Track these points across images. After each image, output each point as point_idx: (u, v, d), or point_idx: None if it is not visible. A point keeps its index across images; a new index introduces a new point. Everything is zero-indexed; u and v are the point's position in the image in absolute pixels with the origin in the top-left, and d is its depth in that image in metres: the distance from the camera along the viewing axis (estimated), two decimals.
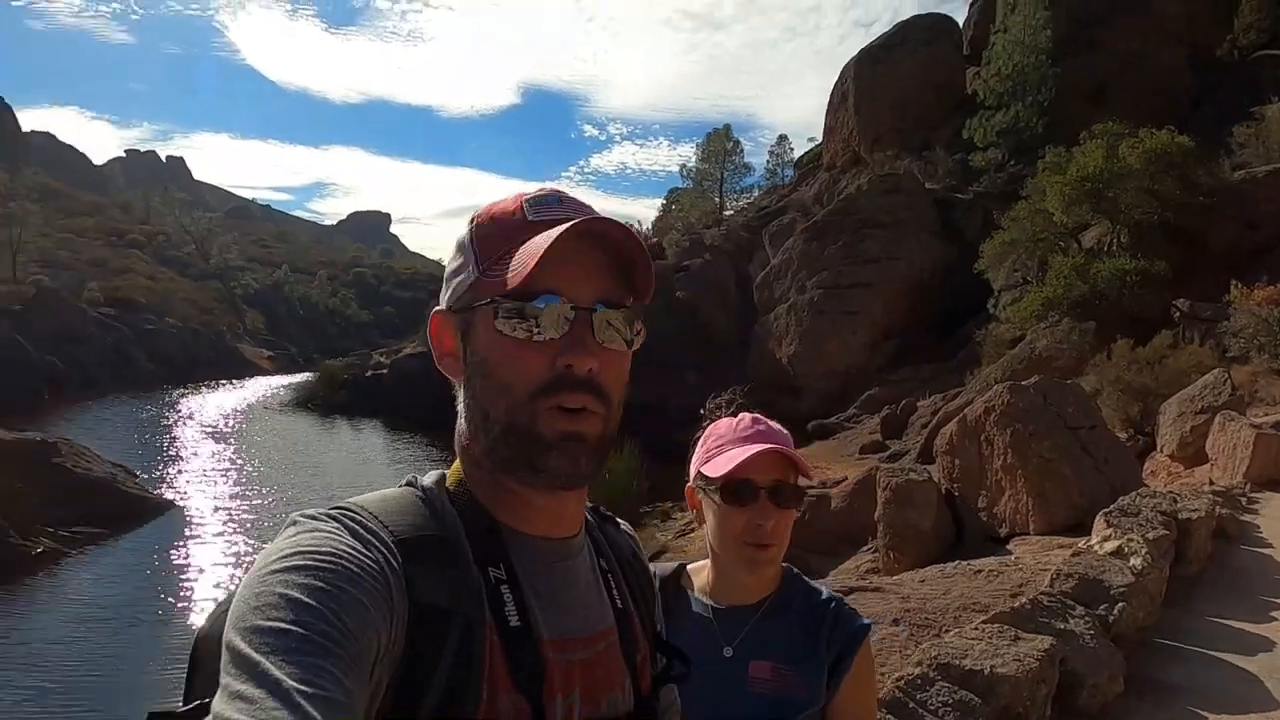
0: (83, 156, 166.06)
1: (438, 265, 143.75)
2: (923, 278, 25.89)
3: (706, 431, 1.62)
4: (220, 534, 16.83)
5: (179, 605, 12.88)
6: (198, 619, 12.20)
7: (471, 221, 0.91)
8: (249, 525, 17.65)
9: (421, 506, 0.86)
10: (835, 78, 39.06)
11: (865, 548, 9.20)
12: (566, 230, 0.81)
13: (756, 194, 45.00)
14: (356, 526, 0.78)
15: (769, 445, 1.48)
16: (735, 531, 1.48)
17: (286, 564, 0.71)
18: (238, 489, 21.31)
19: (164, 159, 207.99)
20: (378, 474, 25.80)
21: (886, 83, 35.36)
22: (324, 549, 0.73)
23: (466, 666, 0.78)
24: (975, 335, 22.39)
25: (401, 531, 0.80)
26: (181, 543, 16.02)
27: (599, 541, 1.01)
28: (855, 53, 37.89)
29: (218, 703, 0.61)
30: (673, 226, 43.14)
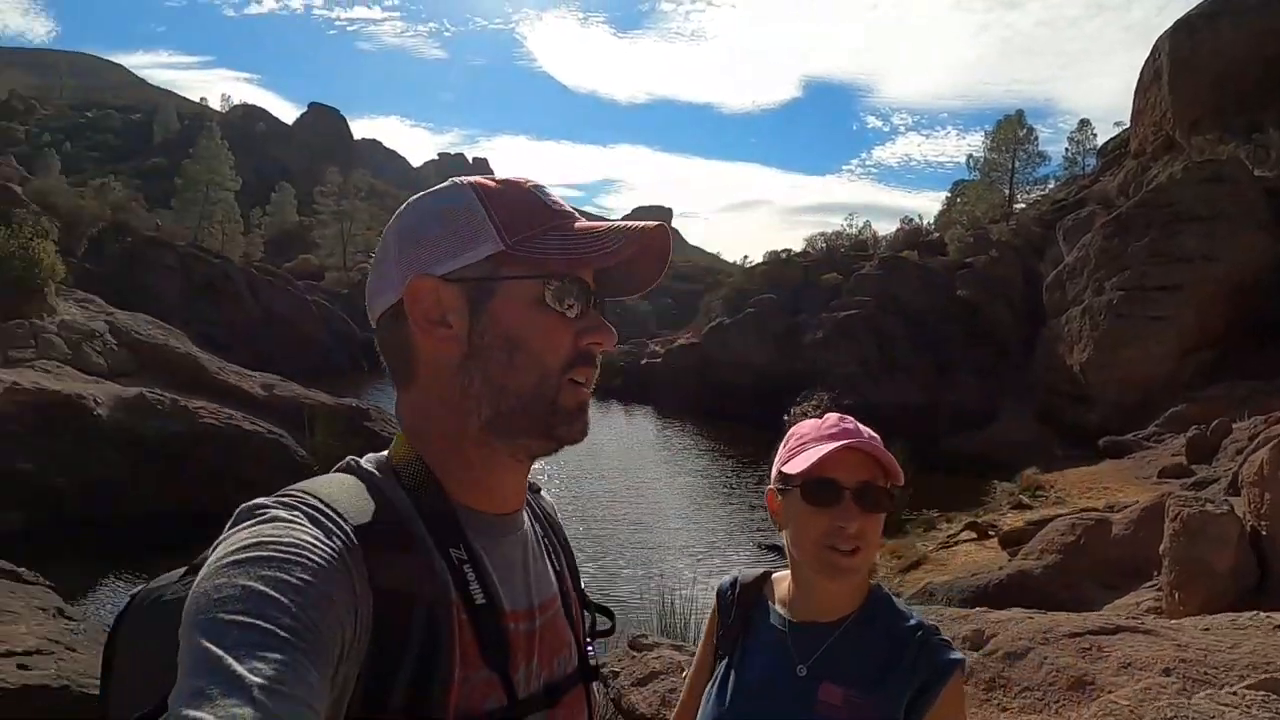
0: (403, 160, 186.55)
1: (715, 259, 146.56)
2: (1246, 280, 22.53)
3: (789, 432, 1.53)
4: None
5: None
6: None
7: (476, 192, 0.91)
8: None
9: (372, 491, 0.85)
10: (1147, 55, 35.10)
11: (1148, 584, 8.29)
12: (641, 231, 0.92)
13: (1052, 185, 41.51)
14: (316, 514, 0.78)
15: (854, 441, 1.38)
16: (816, 535, 1.38)
17: (248, 555, 0.70)
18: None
19: (470, 160, 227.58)
20: (648, 457, 26.84)
21: (1207, 56, 31.02)
22: (286, 539, 0.72)
23: (435, 648, 0.79)
24: None
25: (358, 518, 0.80)
26: None
27: (533, 509, 1.05)
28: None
29: (176, 699, 0.60)
30: (956, 221, 40.89)
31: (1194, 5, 32.95)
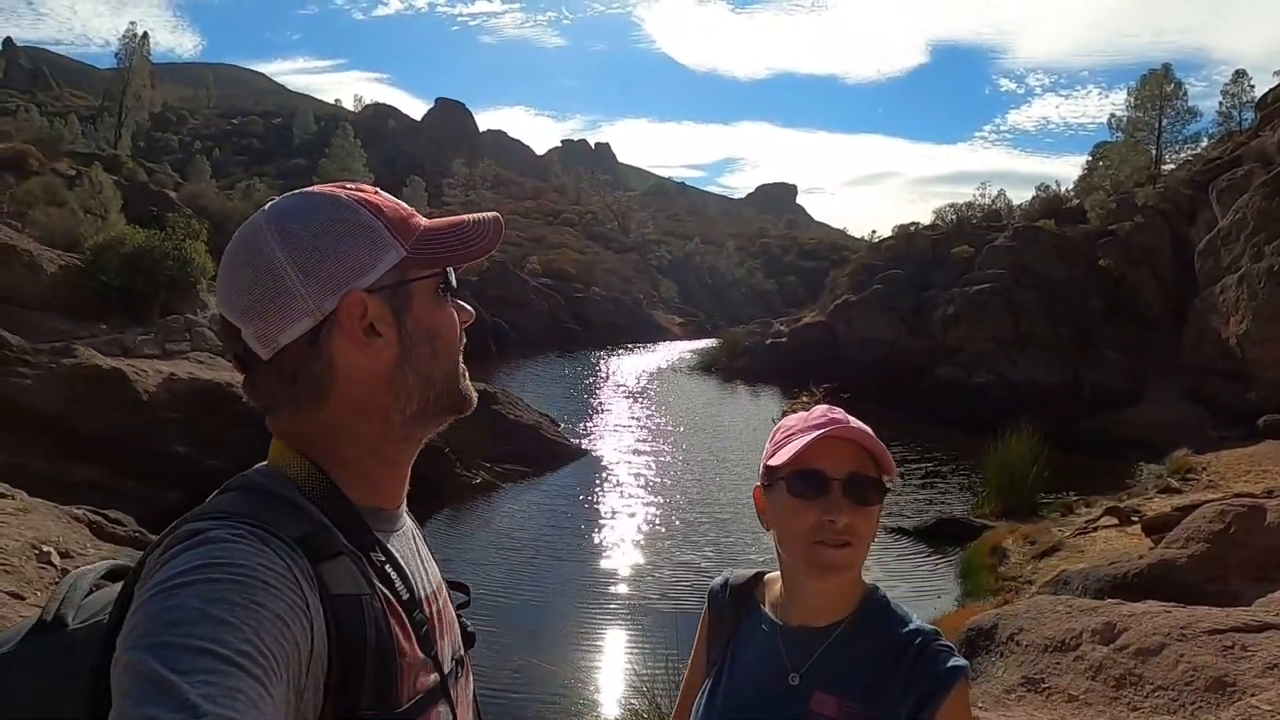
0: (527, 148, 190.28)
1: (842, 235, 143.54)
2: None
3: (775, 427, 1.47)
4: (626, 482, 18.49)
5: (585, 543, 14.45)
6: (600, 557, 13.68)
7: (356, 202, 0.94)
8: (652, 477, 19.16)
9: (288, 506, 0.86)
10: None
11: None
12: (492, 223, 1.03)
13: (1205, 144, 38.57)
14: (258, 532, 0.78)
15: (839, 428, 1.31)
16: (803, 530, 1.31)
17: (197, 577, 0.70)
18: (644, 443, 23.18)
19: (593, 146, 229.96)
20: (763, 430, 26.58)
21: None
22: (234, 561, 0.73)
23: (384, 642, 0.83)
24: None
25: (293, 531, 0.82)
26: (592, 487, 17.86)
27: None
28: None
29: None
30: (1098, 186, 38.45)
31: None
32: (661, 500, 16.94)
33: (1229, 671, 4.62)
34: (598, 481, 18.32)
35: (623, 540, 14.40)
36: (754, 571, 1.55)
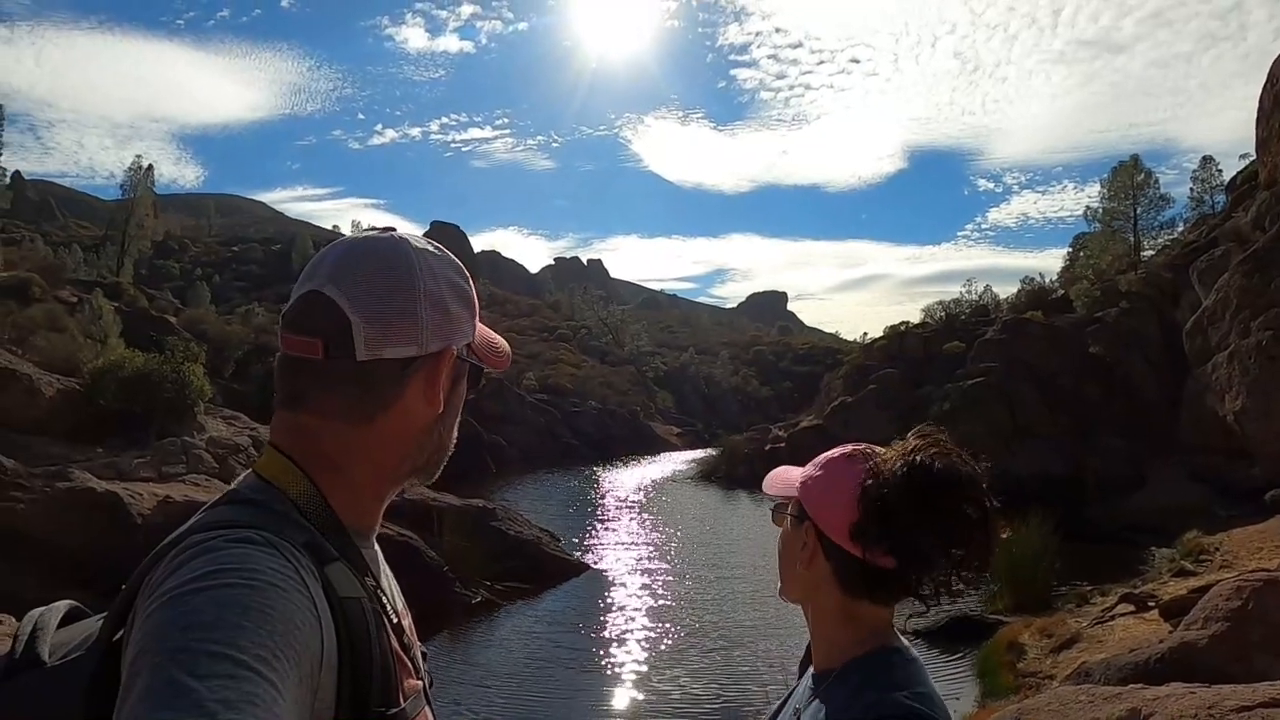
0: (521, 267, 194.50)
1: (833, 339, 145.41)
2: None
3: None
4: (630, 599, 18.00)
5: (589, 664, 13.94)
6: (606, 679, 13.19)
7: (455, 268, 1.03)
8: (656, 592, 18.69)
9: (287, 520, 0.87)
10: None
11: None
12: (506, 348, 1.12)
13: (1181, 228, 39.52)
14: (264, 538, 0.79)
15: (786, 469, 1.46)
16: None
17: (210, 583, 0.71)
18: (647, 557, 22.74)
19: (585, 262, 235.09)
20: (773, 545, 25.95)
21: None
22: (245, 566, 0.74)
23: (386, 645, 0.87)
24: None
25: (296, 537, 0.84)
26: (595, 604, 17.38)
27: None
28: None
29: None
30: (1081, 276, 39.22)
31: None
32: (668, 618, 16.38)
33: None
34: (601, 598, 17.87)
35: (629, 661, 13.78)
36: None
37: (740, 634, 14.82)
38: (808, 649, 1.48)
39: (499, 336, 1.11)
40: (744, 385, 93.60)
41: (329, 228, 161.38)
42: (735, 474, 41.90)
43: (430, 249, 1.00)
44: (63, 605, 0.93)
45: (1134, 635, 11.18)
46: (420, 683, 0.96)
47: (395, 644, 0.91)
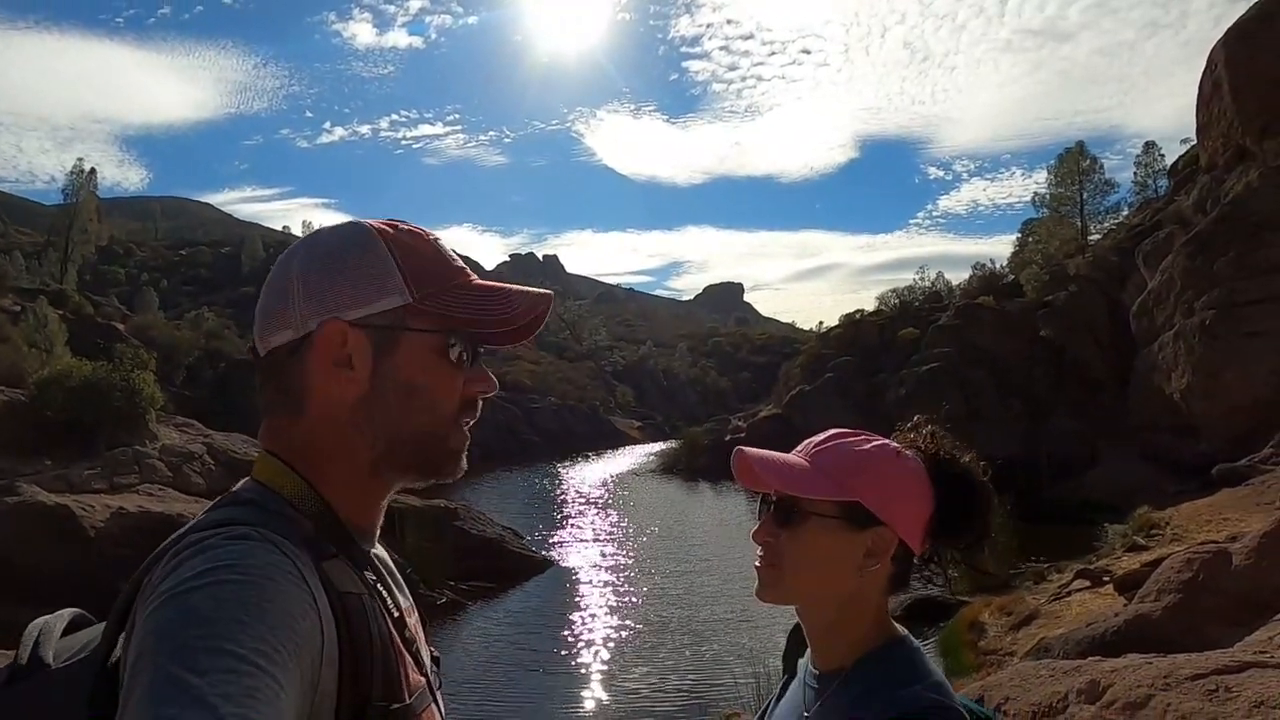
0: (477, 264, 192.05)
1: (790, 328, 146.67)
2: None
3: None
4: (595, 593, 18.05)
5: (556, 660, 13.94)
6: (573, 674, 13.18)
7: (385, 241, 0.95)
8: (621, 586, 18.75)
9: (285, 519, 0.87)
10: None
11: None
12: (532, 297, 0.99)
13: (1126, 212, 40.46)
14: (261, 535, 0.80)
15: (748, 451, 1.24)
16: (756, 550, 1.27)
17: (208, 580, 0.71)
18: (611, 551, 22.79)
19: (541, 258, 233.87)
20: (736, 533, 26.27)
21: (1269, 59, 30.18)
22: (242, 563, 0.74)
23: (387, 640, 0.86)
24: None
25: (293, 534, 0.84)
26: (560, 600, 17.40)
27: None
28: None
29: None
30: (1030, 261, 39.95)
31: (1247, 9, 32.15)
32: (634, 614, 16.42)
33: (1216, 715, 4.55)
34: (566, 595, 17.87)
35: (595, 661, 13.79)
36: None
37: (707, 628, 14.91)
38: (791, 644, 1.42)
39: (509, 286, 0.99)
40: (703, 377, 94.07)
41: (279, 229, 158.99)
42: (696, 465, 42.14)
43: (331, 229, 0.99)
44: (68, 613, 0.93)
45: (1090, 610, 11.45)
46: (424, 679, 0.93)
47: (398, 639, 0.90)
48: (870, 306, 49.53)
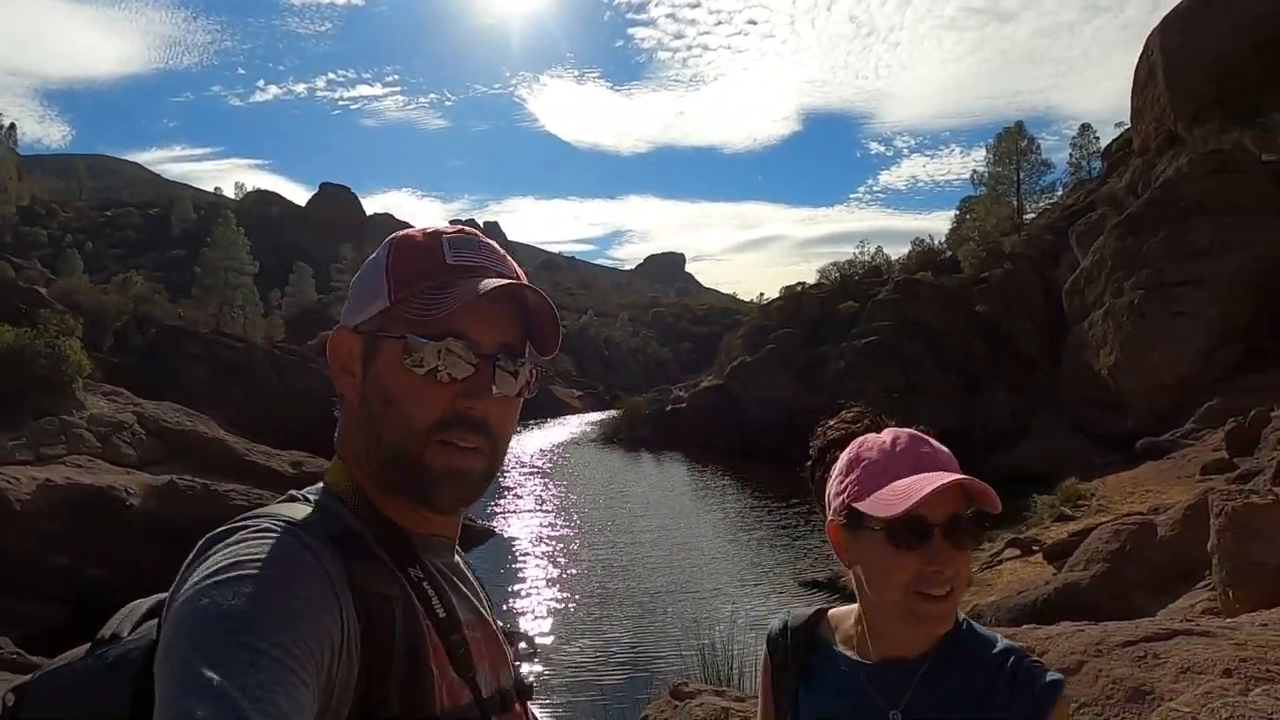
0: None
1: (731, 300, 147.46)
2: (1265, 268, 22.23)
3: (851, 454, 1.31)
4: (537, 561, 18.11)
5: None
6: (518, 645, 13.17)
7: (390, 245, 0.95)
8: (563, 553, 18.83)
9: (328, 514, 0.88)
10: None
11: (1202, 584, 8.05)
12: (492, 290, 0.88)
13: (1061, 192, 41.44)
14: (289, 528, 0.80)
15: (947, 476, 1.18)
16: (904, 580, 1.18)
17: (231, 575, 0.71)
18: (553, 519, 22.84)
19: (482, 224, 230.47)
20: (679, 502, 26.61)
21: (1201, 47, 30.98)
22: (265, 556, 0.74)
23: (416, 650, 0.82)
24: None
25: (330, 529, 0.83)
26: (502, 569, 17.38)
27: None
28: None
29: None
30: (968, 238, 40.74)
31: None
32: (575, 581, 16.52)
33: (1146, 680, 4.74)
34: (507, 566, 17.85)
35: (537, 634, 13.65)
36: (814, 609, 1.44)
37: (651, 599, 15.03)
38: (798, 640, 1.40)
39: (488, 282, 0.89)
40: (644, 347, 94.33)
41: (210, 189, 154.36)
42: (638, 435, 42.35)
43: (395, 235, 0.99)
44: (155, 598, 0.93)
45: (1021, 578, 11.84)
46: (474, 698, 0.87)
47: (439, 648, 0.85)
48: (811, 279, 50.11)
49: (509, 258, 0.99)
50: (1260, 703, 2.86)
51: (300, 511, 0.85)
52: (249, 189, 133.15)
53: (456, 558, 1.03)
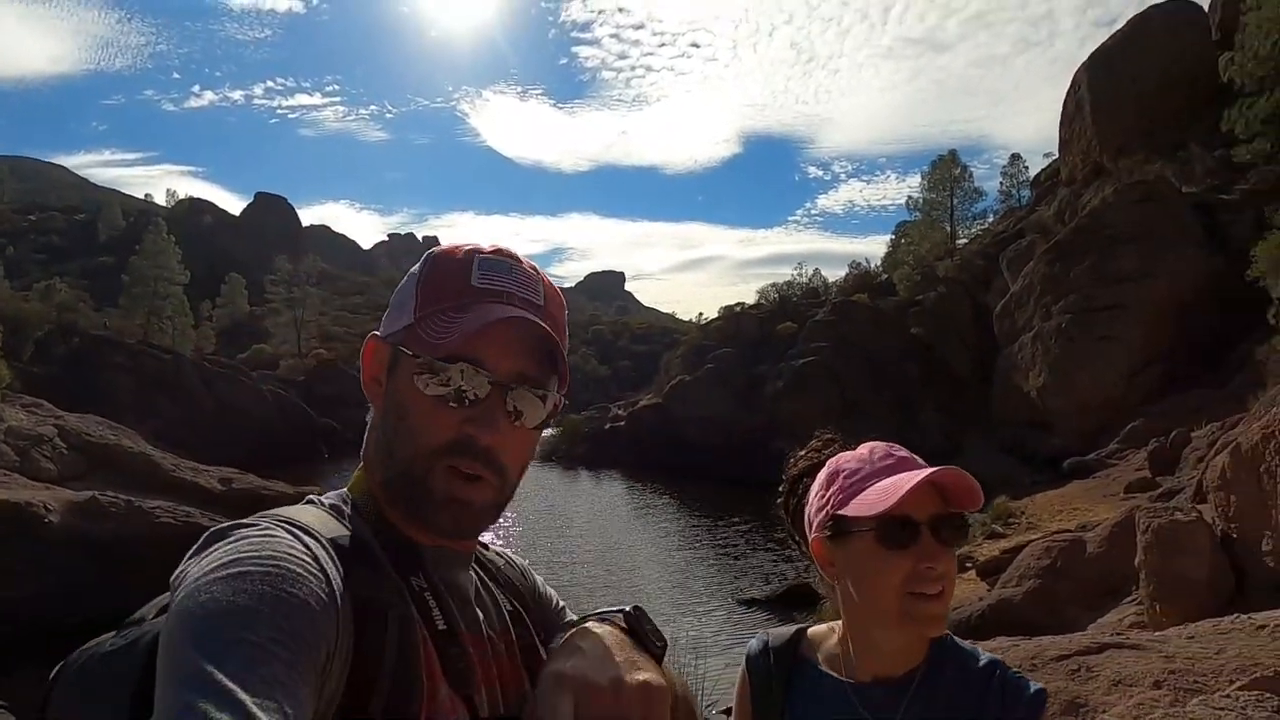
0: (353, 243, 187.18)
1: (671, 319, 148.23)
2: (1185, 294, 23.22)
3: (829, 469, 1.32)
4: None
5: None
6: None
7: (427, 260, 0.96)
8: None
9: (335, 517, 0.88)
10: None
11: (1129, 599, 8.29)
12: (503, 321, 0.88)
13: (991, 219, 42.73)
14: (290, 528, 0.80)
15: (930, 469, 1.19)
16: (896, 582, 1.19)
17: (231, 570, 0.71)
18: (486, 539, 22.52)
19: (420, 239, 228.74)
20: (618, 522, 26.50)
21: (1126, 83, 32.47)
22: (265, 552, 0.74)
23: (408, 661, 0.80)
24: (1257, 353, 19.84)
25: (327, 533, 0.83)
26: None
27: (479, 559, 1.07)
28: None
29: (166, 715, 0.61)
30: (903, 261, 41.69)
31: (1108, 37, 34.43)
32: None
33: (1079, 693, 4.85)
34: None
35: None
36: (794, 629, 1.45)
37: (587, 596, 14.89)
38: (779, 659, 1.40)
39: (498, 310, 0.89)
40: (583, 365, 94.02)
41: (141, 196, 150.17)
42: (576, 453, 42.15)
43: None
44: None
45: (955, 594, 12.04)
46: (469, 712, 0.85)
47: (433, 659, 0.84)
48: (750, 300, 50.53)
49: (543, 283, 0.97)
50: (1199, 713, 2.92)
51: (307, 514, 0.86)
52: (181, 196, 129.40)
53: (470, 568, 1.01)
